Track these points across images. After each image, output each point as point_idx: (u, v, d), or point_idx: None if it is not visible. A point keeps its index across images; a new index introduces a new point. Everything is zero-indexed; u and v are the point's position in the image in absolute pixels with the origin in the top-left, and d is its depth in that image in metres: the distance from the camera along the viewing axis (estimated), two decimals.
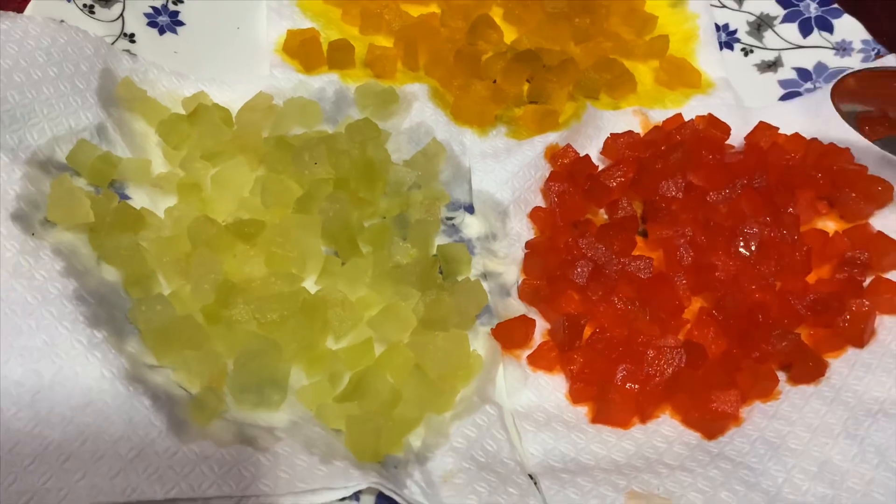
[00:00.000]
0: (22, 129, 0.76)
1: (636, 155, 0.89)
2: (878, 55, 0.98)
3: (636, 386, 0.73)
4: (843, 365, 0.76)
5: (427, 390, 0.69)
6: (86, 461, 0.59)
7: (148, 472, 0.59)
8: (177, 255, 0.74)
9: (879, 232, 0.83)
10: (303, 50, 0.93)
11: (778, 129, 0.91)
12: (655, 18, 1.04)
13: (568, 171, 0.88)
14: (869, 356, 0.76)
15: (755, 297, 0.78)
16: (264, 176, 0.81)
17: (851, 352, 0.76)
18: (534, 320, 0.77)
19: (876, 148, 0.86)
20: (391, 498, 0.63)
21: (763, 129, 0.91)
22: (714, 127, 0.91)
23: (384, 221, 0.82)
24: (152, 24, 0.92)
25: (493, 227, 0.84)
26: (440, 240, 0.83)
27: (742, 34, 1.04)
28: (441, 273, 0.79)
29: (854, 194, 0.86)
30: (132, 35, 0.90)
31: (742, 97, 0.99)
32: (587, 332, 0.77)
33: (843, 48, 1.00)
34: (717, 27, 1.05)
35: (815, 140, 0.90)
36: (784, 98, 0.99)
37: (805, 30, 1.03)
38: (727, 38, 1.04)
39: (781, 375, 0.75)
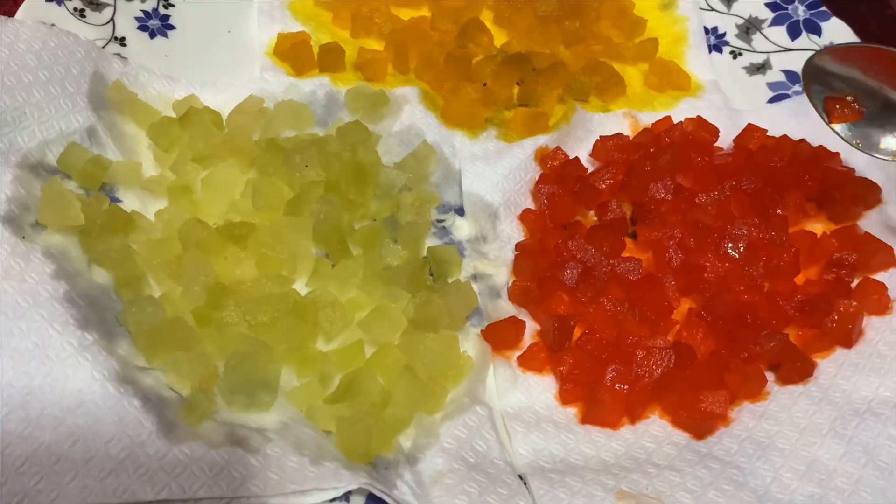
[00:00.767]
0: (13, 133, 0.76)
1: (625, 157, 0.90)
2: None
3: (625, 386, 0.73)
4: (831, 365, 0.76)
5: (417, 391, 0.69)
6: (76, 462, 0.59)
7: (139, 473, 0.59)
8: (167, 258, 0.74)
9: (867, 233, 0.83)
10: (293, 53, 0.93)
11: (766, 130, 0.92)
12: (645, 22, 1.05)
13: (557, 174, 0.88)
14: (857, 356, 0.76)
15: (744, 298, 0.78)
16: (255, 178, 0.82)
17: (839, 352, 0.77)
18: (524, 322, 0.77)
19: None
20: (381, 499, 0.63)
21: (751, 131, 0.92)
22: (703, 129, 0.92)
23: (375, 224, 0.82)
24: (143, 27, 0.92)
25: (483, 229, 0.85)
26: (430, 242, 0.83)
27: (731, 37, 1.05)
28: (431, 275, 0.80)
29: (842, 196, 0.86)
30: (123, 39, 0.90)
31: (731, 100, 1.00)
32: (577, 333, 0.77)
33: None
34: (706, 30, 1.05)
35: (802, 141, 0.90)
36: (773, 100, 0.99)
37: (793, 32, 1.03)
38: (716, 41, 1.05)
39: (770, 376, 0.75)
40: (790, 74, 1.00)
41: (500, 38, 1.01)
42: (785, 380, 0.75)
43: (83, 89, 0.81)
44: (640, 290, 0.79)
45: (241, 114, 0.85)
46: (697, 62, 1.03)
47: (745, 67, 1.03)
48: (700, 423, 0.71)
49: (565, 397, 0.74)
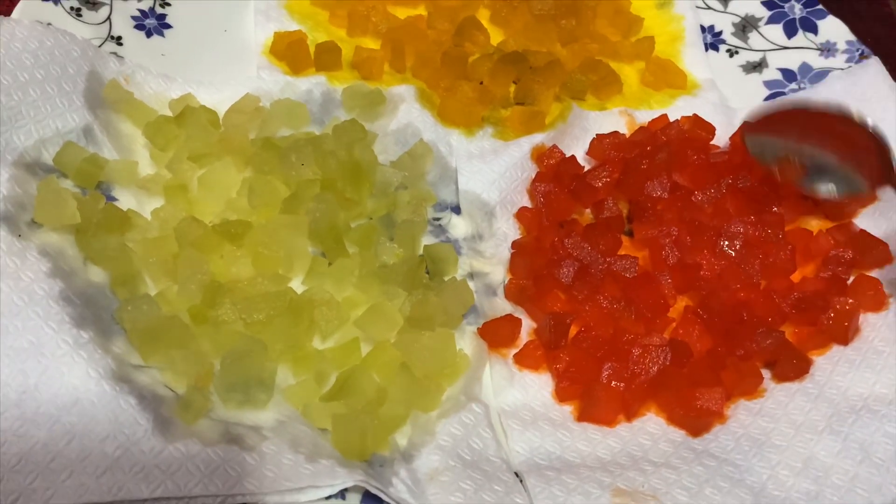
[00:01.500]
0: (9, 132, 0.76)
1: (622, 155, 0.90)
2: (863, 56, 0.98)
3: (621, 384, 0.73)
4: (828, 362, 0.76)
5: (413, 389, 0.69)
6: (72, 460, 0.59)
7: (134, 470, 0.59)
8: (163, 256, 0.74)
9: (862, 230, 0.83)
10: (290, 52, 0.93)
11: None
12: (641, 20, 1.05)
13: (554, 172, 0.88)
14: (853, 353, 0.76)
15: (740, 296, 0.79)
16: (251, 177, 0.82)
17: (836, 349, 0.77)
18: (520, 319, 0.77)
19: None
20: (377, 496, 0.63)
21: None
22: (699, 127, 0.92)
23: (371, 222, 0.82)
24: (139, 26, 0.92)
25: (479, 227, 0.85)
26: (427, 240, 0.83)
27: (727, 35, 1.05)
28: (428, 273, 0.80)
29: None
30: (119, 38, 0.90)
31: (727, 98, 1.00)
32: (573, 331, 0.77)
33: (827, 49, 1.01)
34: (703, 28, 1.05)
35: None
36: (769, 98, 0.99)
37: (790, 31, 1.03)
38: (712, 40, 1.05)
39: (766, 373, 0.75)
40: (786, 73, 1.00)
41: (496, 37, 1.01)
42: (781, 377, 0.75)
43: (79, 88, 0.81)
44: (636, 288, 0.79)
45: (237, 112, 0.85)
46: (694, 60, 1.03)
47: (741, 66, 1.03)
48: (696, 421, 0.71)
49: (561, 395, 0.74)
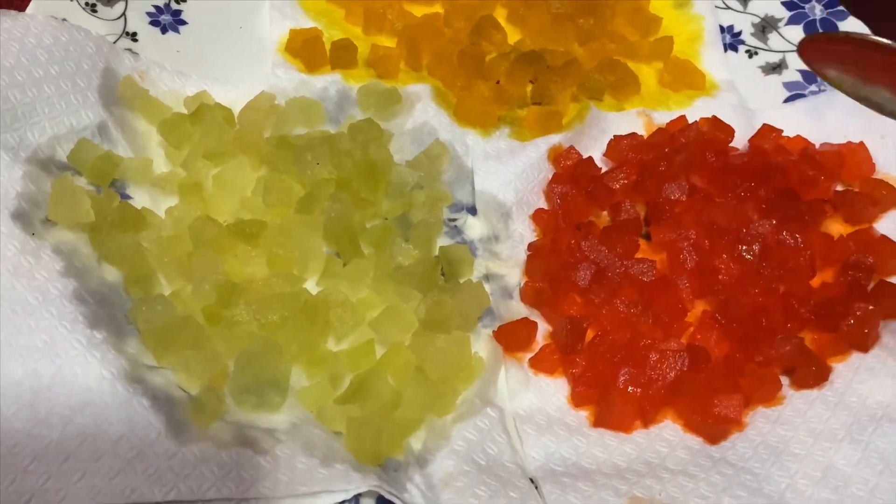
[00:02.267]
0: (23, 128, 0.75)
1: (639, 157, 0.89)
2: None
3: (638, 390, 0.72)
4: (847, 369, 0.75)
5: (428, 392, 0.69)
6: (85, 461, 0.59)
7: (147, 473, 0.59)
8: (178, 256, 0.73)
9: (883, 236, 0.82)
10: (305, 49, 0.92)
11: (782, 131, 0.91)
12: (660, 20, 1.04)
13: (571, 173, 0.87)
14: (873, 360, 0.75)
15: (758, 301, 0.77)
16: (266, 176, 0.81)
17: (855, 356, 0.76)
18: (536, 323, 0.77)
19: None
20: (391, 501, 0.62)
21: (767, 131, 0.91)
22: (718, 129, 0.91)
23: (386, 222, 0.82)
24: (154, 22, 0.92)
25: (495, 228, 0.84)
26: (442, 241, 0.82)
27: (747, 36, 1.04)
28: (443, 275, 0.79)
29: (858, 198, 0.85)
30: (134, 34, 0.89)
31: (746, 99, 0.98)
32: (589, 335, 0.76)
33: None
34: (722, 29, 1.04)
35: (810, 146, 0.90)
36: (788, 100, 0.98)
37: (810, 31, 1.02)
38: (731, 40, 1.04)
39: (784, 380, 0.74)
40: (806, 74, 0.99)
41: (513, 36, 1.01)
42: (800, 384, 0.74)
43: (94, 85, 0.81)
44: (653, 292, 0.78)
45: (252, 110, 0.85)
46: (713, 61, 1.02)
47: (760, 66, 1.02)
48: (713, 428, 0.70)
49: (577, 400, 0.73)
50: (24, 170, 0.73)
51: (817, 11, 1.03)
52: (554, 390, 0.74)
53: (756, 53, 1.03)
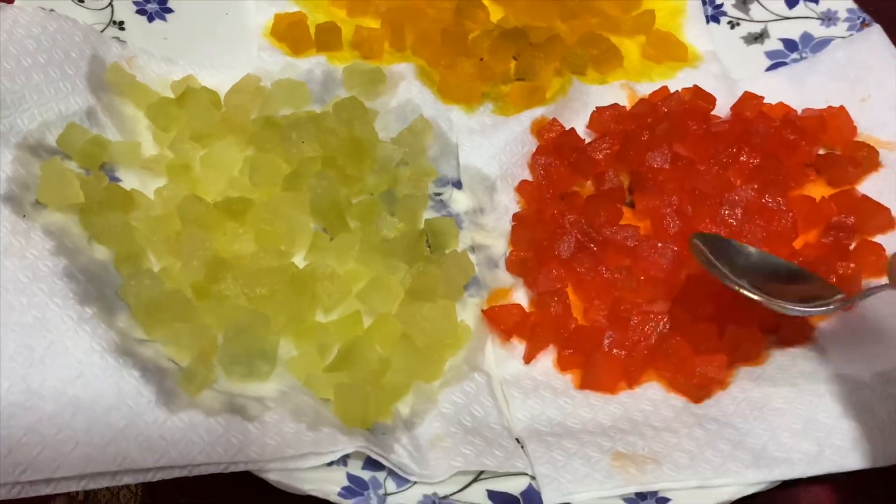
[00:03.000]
0: (13, 115, 0.77)
1: (622, 127, 0.90)
2: (864, 24, 0.98)
3: (623, 352, 0.73)
4: (830, 328, 0.76)
5: (415, 359, 0.70)
6: (77, 432, 0.59)
7: (138, 440, 0.60)
8: (167, 234, 0.74)
9: (864, 196, 0.83)
10: (290, 33, 0.94)
11: (763, 98, 0.92)
12: None
13: (554, 145, 0.88)
14: (855, 318, 0.76)
15: None
16: (253, 156, 0.82)
17: (838, 315, 0.77)
18: (529, 313, 0.77)
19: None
20: (379, 462, 0.63)
21: (748, 98, 0.92)
22: (700, 98, 0.92)
23: (372, 198, 0.82)
24: (141, 11, 0.93)
25: (480, 201, 0.85)
26: (428, 215, 0.83)
27: (728, 7, 1.04)
28: (429, 247, 0.80)
29: (840, 160, 0.86)
30: (121, 22, 0.91)
31: (729, 70, 0.99)
32: (574, 301, 0.77)
33: (828, 18, 1.00)
34: (704, 1, 1.05)
35: (792, 112, 0.91)
36: (770, 69, 0.99)
37: (791, 1, 1.02)
38: (713, 12, 1.04)
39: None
40: (788, 42, 1.00)
41: (496, 14, 1.01)
42: (783, 343, 0.75)
43: (82, 72, 0.82)
44: (637, 257, 0.79)
45: (238, 93, 0.86)
46: (695, 33, 1.02)
47: (742, 37, 1.02)
48: (697, 388, 0.71)
49: (563, 363, 0.74)
50: (14, 154, 0.74)
51: None
52: (540, 355, 0.75)
53: (738, 24, 1.03)
